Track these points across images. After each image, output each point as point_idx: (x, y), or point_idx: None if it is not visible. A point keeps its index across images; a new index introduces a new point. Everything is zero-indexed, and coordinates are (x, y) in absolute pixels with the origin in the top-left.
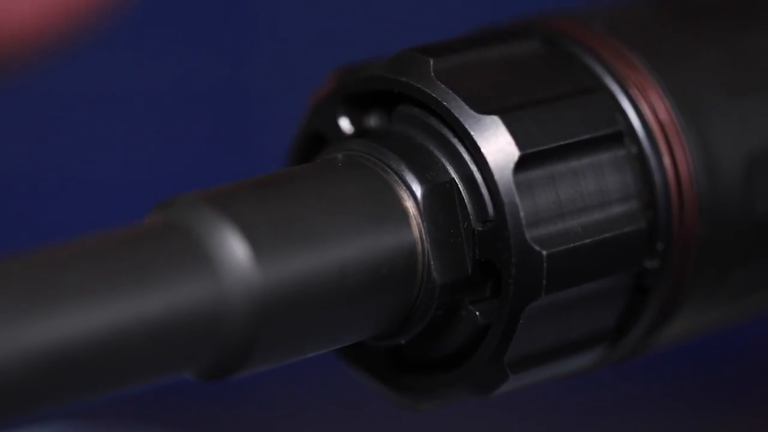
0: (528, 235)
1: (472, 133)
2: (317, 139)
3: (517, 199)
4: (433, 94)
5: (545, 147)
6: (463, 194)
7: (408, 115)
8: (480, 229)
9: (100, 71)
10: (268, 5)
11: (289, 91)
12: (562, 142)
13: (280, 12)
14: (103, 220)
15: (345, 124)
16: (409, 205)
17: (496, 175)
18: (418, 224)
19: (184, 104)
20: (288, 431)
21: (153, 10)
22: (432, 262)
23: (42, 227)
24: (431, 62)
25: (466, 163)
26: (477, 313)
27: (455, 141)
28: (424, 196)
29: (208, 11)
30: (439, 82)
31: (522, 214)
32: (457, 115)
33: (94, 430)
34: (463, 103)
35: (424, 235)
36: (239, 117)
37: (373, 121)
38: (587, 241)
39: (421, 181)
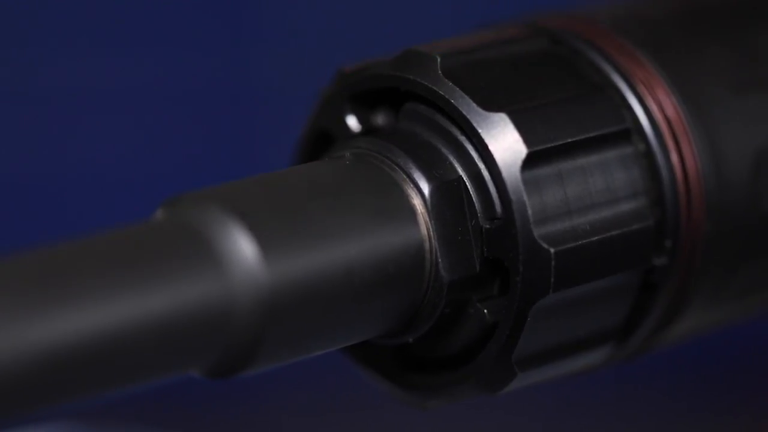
0: (536, 233)
1: (479, 130)
2: (324, 137)
3: (525, 197)
4: (441, 92)
5: (553, 144)
6: (471, 192)
7: (415, 113)
8: (488, 226)
9: (102, 70)
10: (273, 3)
11: (296, 89)
12: (569, 140)
13: (286, 10)
14: (108, 219)
15: (352, 122)
16: (417, 202)
17: (504, 173)
18: (425, 222)
19: (191, 103)
20: (290, 431)
21: (156, 9)
22: (440, 260)
23: (43, 227)
24: (438, 60)
25: (474, 160)
26: (485, 310)
27: (463, 138)
28: (431, 193)
29: (213, 9)
30: (446, 80)
31: (530, 211)
32: (464, 113)
33: (94, 430)
34: (470, 101)
35: (431, 233)
36: (246, 115)
37: (380, 119)
38: (595, 238)
39: (429, 179)
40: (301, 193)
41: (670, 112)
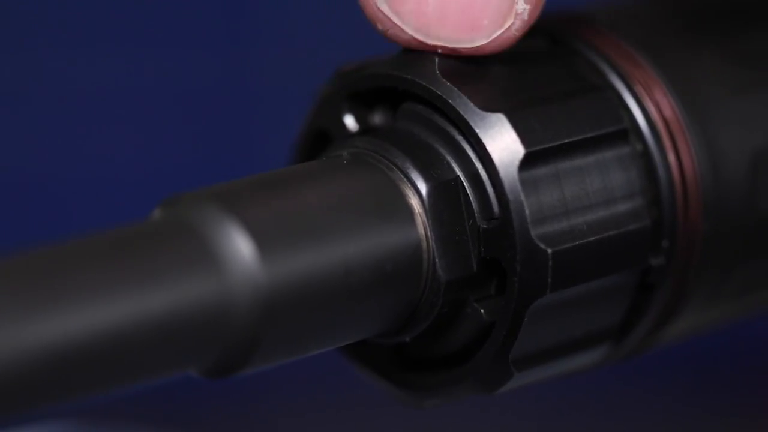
0: (533, 233)
1: (477, 130)
2: (322, 137)
3: (522, 197)
4: (438, 92)
5: (550, 145)
6: (468, 192)
7: (413, 113)
8: (485, 226)
9: (102, 70)
10: (272, 3)
11: (293, 88)
12: (567, 140)
13: (284, 9)
14: (108, 219)
15: (350, 121)
16: (414, 202)
17: (502, 173)
18: (423, 222)
19: (189, 103)
20: (289, 431)
21: (156, 9)
22: (437, 260)
23: (42, 227)
24: (436, 60)
25: (472, 160)
26: (482, 310)
27: (460, 139)
28: (429, 193)
29: (211, 9)
30: (444, 80)
31: (527, 211)
32: (462, 113)
33: (94, 430)
34: (468, 101)
35: (429, 233)
36: (244, 115)
37: (377, 118)
38: (592, 238)
39: (426, 179)
40: (298, 192)
41: (668, 112)
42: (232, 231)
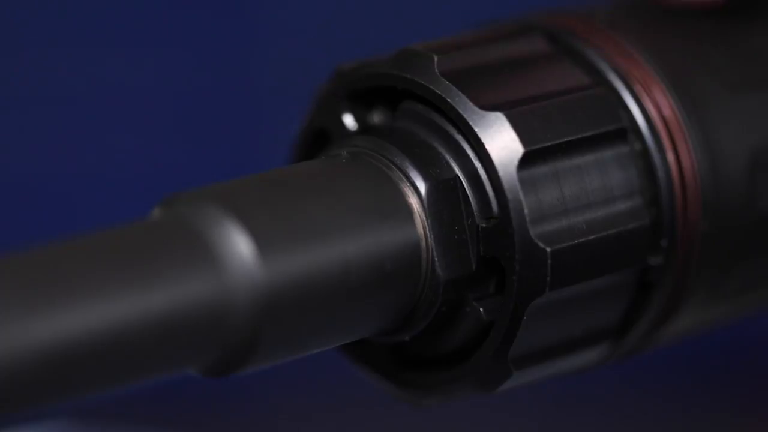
0: (532, 232)
1: (476, 129)
2: (321, 136)
3: (521, 196)
4: (438, 91)
5: (549, 144)
6: (467, 191)
7: (412, 112)
8: (484, 225)
9: (101, 70)
10: (272, 2)
11: (293, 87)
12: (566, 139)
13: (284, 9)
14: (108, 218)
15: (349, 120)
16: (413, 201)
17: (500, 172)
18: (422, 221)
19: (188, 102)
20: (289, 431)
21: (156, 9)
22: (436, 259)
23: (43, 227)
24: (435, 59)
25: (470, 159)
26: (481, 309)
27: (459, 138)
28: (428, 192)
29: (211, 8)
30: (443, 79)
31: (526, 210)
32: (461, 112)
33: (94, 430)
34: (467, 100)
35: (428, 232)
36: (243, 114)
37: (376, 117)
38: (591, 237)
39: (425, 178)
40: (297, 191)
41: (667, 111)
42: (231, 230)
